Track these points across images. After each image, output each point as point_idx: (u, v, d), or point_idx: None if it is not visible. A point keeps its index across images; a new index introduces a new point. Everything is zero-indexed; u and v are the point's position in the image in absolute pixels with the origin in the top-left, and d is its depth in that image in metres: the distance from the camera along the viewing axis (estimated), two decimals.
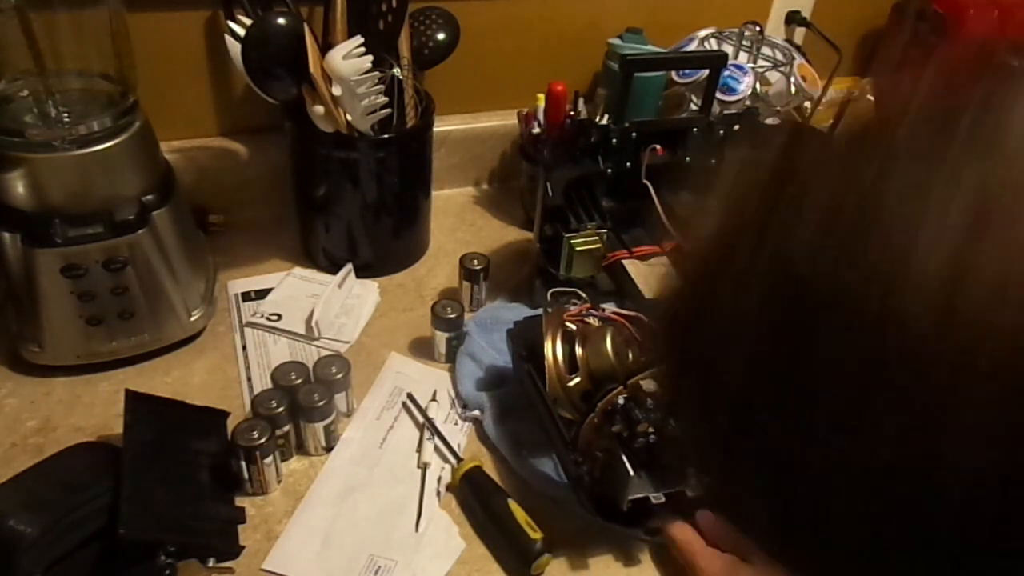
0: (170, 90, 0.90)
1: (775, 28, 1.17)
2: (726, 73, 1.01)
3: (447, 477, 0.71)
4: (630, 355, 0.67)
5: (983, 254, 0.21)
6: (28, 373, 0.76)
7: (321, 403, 0.69)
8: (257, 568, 0.63)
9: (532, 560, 0.62)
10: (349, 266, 0.91)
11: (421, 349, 0.84)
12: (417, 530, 0.66)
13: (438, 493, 0.70)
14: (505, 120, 1.07)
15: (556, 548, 0.64)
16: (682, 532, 0.63)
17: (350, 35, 0.77)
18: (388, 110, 0.83)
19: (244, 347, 0.82)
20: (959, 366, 0.21)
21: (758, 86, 1.03)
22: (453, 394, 0.79)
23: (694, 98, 1.02)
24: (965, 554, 0.23)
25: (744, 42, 1.06)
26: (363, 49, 0.76)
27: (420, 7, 0.88)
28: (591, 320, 0.72)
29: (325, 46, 0.78)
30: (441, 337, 0.81)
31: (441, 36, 0.89)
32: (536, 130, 0.99)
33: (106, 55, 0.74)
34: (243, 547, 0.64)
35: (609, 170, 0.84)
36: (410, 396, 0.77)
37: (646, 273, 0.85)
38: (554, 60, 1.07)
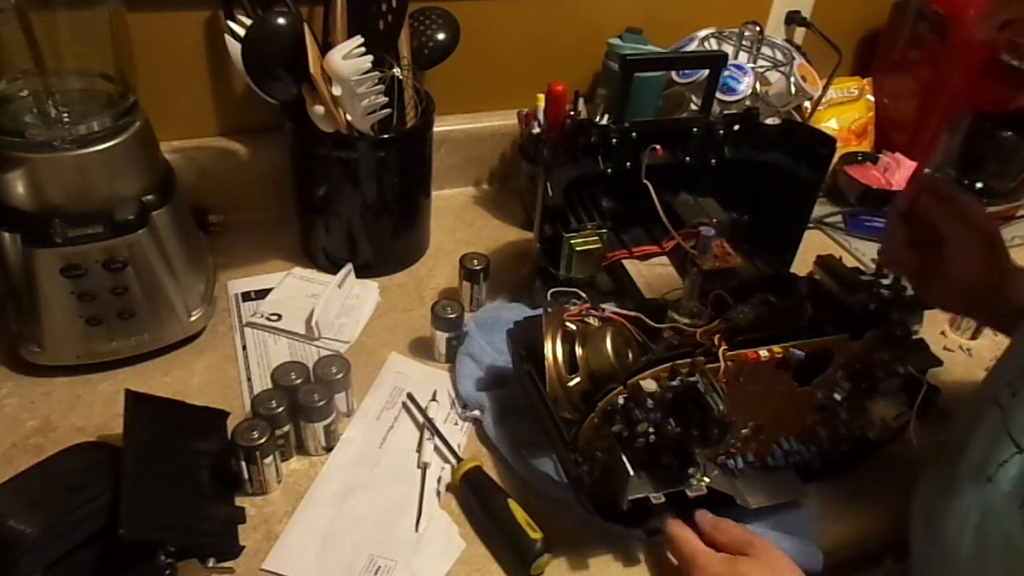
0: (170, 90, 0.90)
1: (775, 28, 1.17)
2: (726, 73, 1.02)
3: (447, 477, 0.70)
4: (630, 355, 0.67)
5: None
6: (28, 373, 0.76)
7: (321, 403, 0.69)
8: (257, 568, 0.63)
9: (532, 560, 0.62)
10: (349, 266, 0.91)
11: (421, 349, 0.84)
12: (417, 530, 0.66)
13: (438, 493, 0.70)
14: (505, 120, 1.07)
15: (556, 548, 0.64)
16: (681, 530, 0.63)
17: (350, 35, 0.77)
18: (388, 110, 0.83)
19: (244, 347, 0.82)
20: None
21: (758, 86, 1.03)
22: (453, 394, 0.79)
23: (694, 98, 1.02)
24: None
25: (744, 42, 1.06)
26: (363, 49, 0.76)
27: (420, 7, 0.89)
28: (591, 320, 0.71)
29: (325, 46, 0.78)
30: (441, 337, 0.81)
31: (441, 36, 0.89)
32: (536, 130, 0.99)
33: (106, 55, 0.74)
34: (243, 547, 0.64)
35: (609, 170, 0.84)
36: (410, 396, 0.77)
37: (646, 273, 0.85)
38: (554, 60, 1.07)
